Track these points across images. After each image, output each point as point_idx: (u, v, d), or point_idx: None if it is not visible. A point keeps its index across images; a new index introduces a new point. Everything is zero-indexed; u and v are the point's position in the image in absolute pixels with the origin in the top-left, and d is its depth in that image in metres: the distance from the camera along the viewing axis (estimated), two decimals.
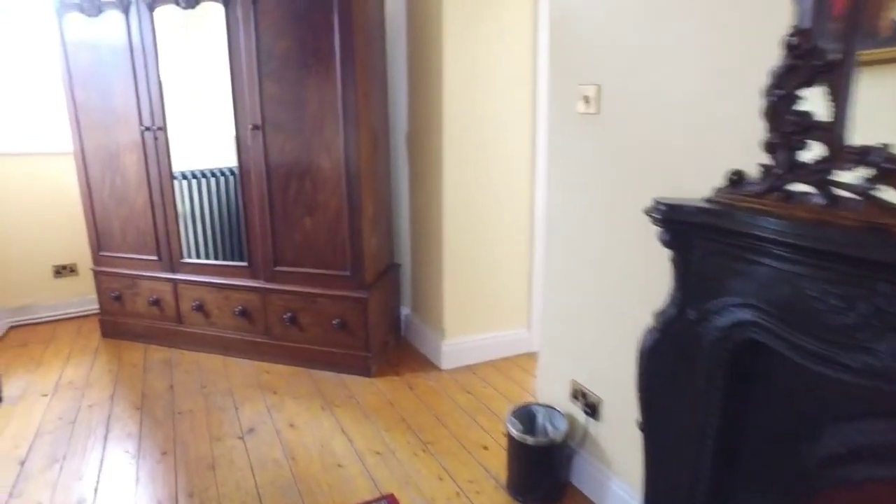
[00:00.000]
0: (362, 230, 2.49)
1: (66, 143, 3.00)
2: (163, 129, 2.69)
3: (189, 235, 3.06)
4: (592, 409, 1.75)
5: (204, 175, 3.11)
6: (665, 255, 1.26)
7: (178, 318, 2.90)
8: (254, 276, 2.69)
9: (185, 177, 3.04)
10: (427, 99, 2.59)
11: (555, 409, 1.88)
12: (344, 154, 2.41)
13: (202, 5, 2.50)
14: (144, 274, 2.91)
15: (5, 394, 2.53)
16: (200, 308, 2.83)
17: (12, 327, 3.29)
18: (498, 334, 2.77)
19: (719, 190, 1.17)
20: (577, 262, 1.78)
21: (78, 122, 2.86)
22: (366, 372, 2.60)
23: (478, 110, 2.51)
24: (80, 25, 2.72)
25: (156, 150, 2.73)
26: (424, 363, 2.76)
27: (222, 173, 3.15)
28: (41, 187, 3.24)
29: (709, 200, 1.18)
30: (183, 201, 3.00)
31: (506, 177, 2.63)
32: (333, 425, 2.25)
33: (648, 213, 1.24)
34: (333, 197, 2.48)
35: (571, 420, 1.84)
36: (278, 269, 2.63)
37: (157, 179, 2.77)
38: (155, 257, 2.88)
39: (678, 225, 1.20)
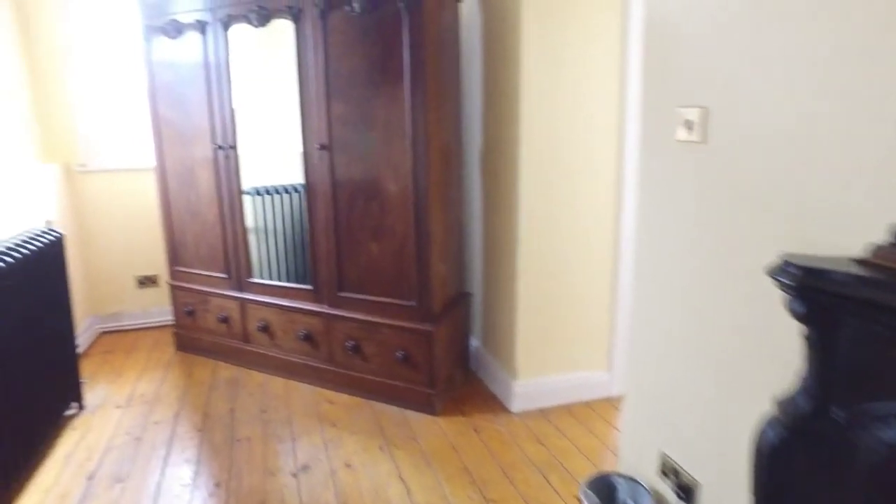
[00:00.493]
0: (430, 259, 2.32)
1: (151, 159, 3.07)
2: (234, 147, 2.67)
3: (257, 252, 3.04)
4: (687, 494, 1.47)
5: (276, 191, 3.09)
6: (794, 323, 0.98)
7: (245, 337, 2.87)
8: (318, 301, 2.60)
9: (257, 192, 3.04)
10: (502, 115, 2.39)
11: (639, 483, 1.60)
12: (412, 176, 2.25)
13: (274, 23, 2.44)
14: (214, 291, 2.91)
15: (87, 402, 2.59)
16: (266, 329, 2.78)
17: (103, 332, 3.43)
18: (575, 375, 2.50)
19: (880, 249, 0.88)
20: (672, 314, 1.51)
21: (160, 139, 2.92)
22: (429, 409, 2.42)
23: (558, 129, 2.27)
24: (163, 47, 2.77)
25: (227, 168, 2.71)
26: (493, 403, 2.55)
27: (295, 189, 3.12)
28: (129, 202, 3.35)
29: (864, 263, 0.90)
30: (255, 217, 2.99)
31: (588, 203, 2.36)
32: (391, 469, 2.09)
33: (774, 275, 0.97)
34: (400, 221, 2.33)
35: (659, 500, 1.56)
36: (342, 294, 2.51)
37: (228, 196, 2.76)
38: (224, 275, 2.87)
39: (819, 295, 0.91)
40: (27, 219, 2.63)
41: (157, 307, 3.49)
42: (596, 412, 2.45)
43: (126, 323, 3.48)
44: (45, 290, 2.24)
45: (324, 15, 2.26)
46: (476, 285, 2.82)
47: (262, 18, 2.43)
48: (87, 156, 3.25)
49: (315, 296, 2.60)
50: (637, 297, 1.68)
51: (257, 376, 2.84)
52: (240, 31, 2.56)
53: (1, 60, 2.81)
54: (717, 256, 1.36)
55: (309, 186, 2.50)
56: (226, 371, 2.91)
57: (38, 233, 2.31)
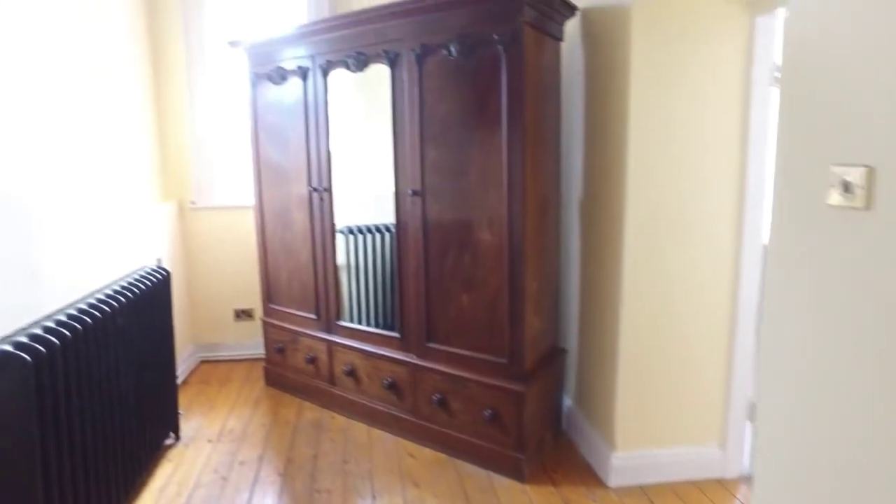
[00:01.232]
0: (524, 315, 2.17)
1: (250, 197, 3.18)
2: (328, 190, 2.68)
3: (347, 289, 3.03)
4: None
5: (368, 230, 3.08)
6: None
7: (331, 380, 2.85)
8: (405, 349, 2.51)
9: (349, 231, 3.04)
10: (607, 164, 2.21)
11: None
12: (508, 226, 2.12)
13: (371, 67, 2.44)
14: (304, 331, 2.93)
15: (183, 433, 2.67)
16: (352, 373, 2.73)
17: (203, 361, 3.58)
18: (683, 450, 2.22)
19: None
20: (817, 417, 1.25)
21: (260, 179, 3.01)
22: (517, 475, 2.24)
23: (669, 182, 2.05)
24: (267, 92, 2.87)
25: (321, 210, 2.73)
26: (587, 473, 2.31)
27: (386, 229, 3.10)
28: (231, 237, 3.50)
29: None
30: (346, 255, 2.99)
31: (702, 260, 2.11)
32: None
33: None
34: (493, 273, 2.20)
35: None
36: (430, 345, 2.41)
37: (321, 238, 2.77)
38: (314, 316, 2.87)
39: None
40: (143, 255, 2.79)
41: (252, 340, 3.58)
42: (706, 495, 2.15)
43: (223, 353, 3.61)
44: (151, 325, 2.34)
45: (420, 59, 2.22)
46: (571, 340, 2.62)
47: (360, 64, 2.44)
48: (198, 193, 3.44)
49: (402, 344, 2.52)
50: (764, 385, 1.43)
51: (340, 420, 2.79)
52: (338, 75, 2.59)
53: (139, 108, 3.06)
54: (871, 344, 1.10)
55: (399, 232, 2.45)
56: (310, 412, 2.89)
57: (150, 271, 2.43)
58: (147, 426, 2.26)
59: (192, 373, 3.43)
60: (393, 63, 2.32)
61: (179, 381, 3.25)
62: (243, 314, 3.59)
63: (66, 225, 2.14)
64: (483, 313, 2.25)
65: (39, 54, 2.06)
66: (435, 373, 2.40)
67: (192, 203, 3.44)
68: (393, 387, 2.56)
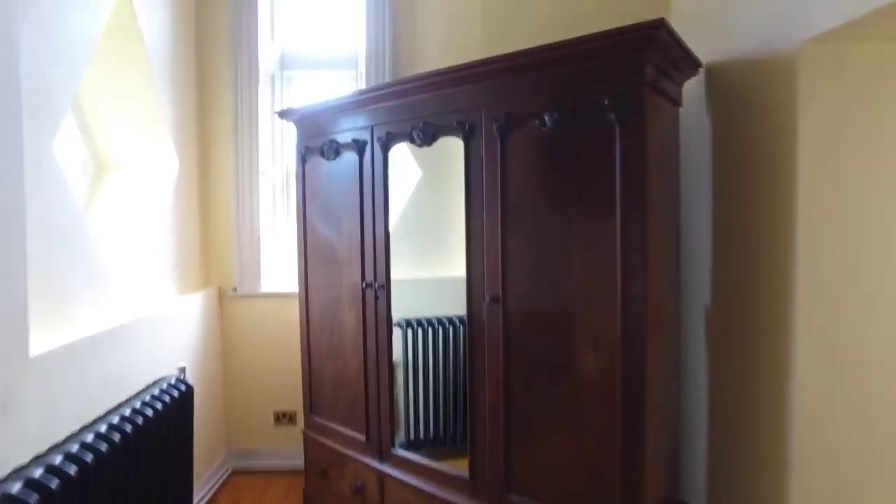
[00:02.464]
0: (643, 469, 1.56)
1: (293, 284, 2.76)
2: (384, 287, 2.21)
3: (404, 393, 2.53)
4: None
5: (430, 324, 2.61)
6: None
7: None
8: (475, 497, 1.92)
9: (408, 324, 2.57)
10: (753, 261, 1.63)
11: None
12: (621, 351, 1.56)
13: (440, 141, 2.01)
14: (351, 454, 2.39)
15: None
16: None
17: (235, 472, 3.09)
18: None
19: None
20: None
21: (306, 267, 2.59)
22: None
23: (860, 291, 1.45)
24: (318, 170, 2.49)
25: (375, 311, 2.25)
26: None
27: (450, 322, 2.61)
28: (274, 328, 3.07)
29: None
30: (404, 350, 2.52)
31: None
32: None
33: None
34: (599, 410, 1.62)
35: None
36: (512, 497, 1.82)
37: (374, 345, 2.28)
38: (363, 436, 2.34)
39: None
40: (172, 354, 2.38)
41: (294, 447, 3.06)
42: None
43: (259, 463, 3.11)
44: (168, 447, 1.89)
45: (503, 132, 1.76)
46: (696, 495, 1.96)
47: (427, 137, 2.00)
48: (241, 279, 3.06)
49: (473, 490, 1.94)
50: None
51: None
52: (400, 151, 2.17)
53: (188, 193, 2.80)
54: None
55: (472, 349, 1.91)
56: None
57: (170, 385, 2.00)
58: None
59: (221, 487, 2.93)
60: (467, 136, 1.87)
61: (207, 498, 2.76)
62: (284, 418, 3.11)
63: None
64: (584, 461, 1.65)
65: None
66: None
67: (234, 290, 3.06)
68: None
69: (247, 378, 3.11)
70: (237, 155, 3.02)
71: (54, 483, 1.28)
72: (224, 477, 3.01)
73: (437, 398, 2.63)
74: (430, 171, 2.74)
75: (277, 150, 3.24)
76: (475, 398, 1.91)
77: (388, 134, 2.14)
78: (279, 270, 3.22)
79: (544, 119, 1.65)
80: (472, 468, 1.93)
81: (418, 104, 2.02)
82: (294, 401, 3.04)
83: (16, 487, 1.19)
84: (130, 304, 2.37)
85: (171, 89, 2.70)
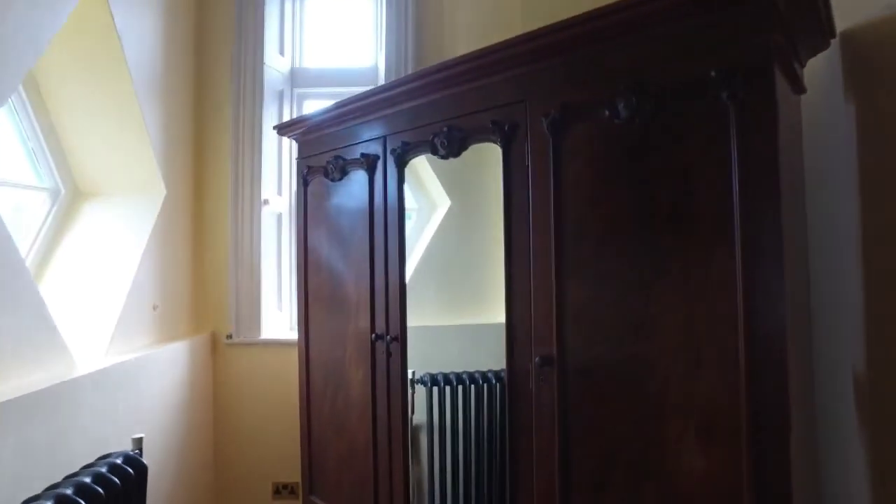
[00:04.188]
0: None
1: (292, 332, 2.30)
2: (398, 339, 1.71)
3: (428, 460, 2.07)
4: None
5: (460, 380, 2.17)
6: None
7: None
8: None
9: (433, 381, 2.11)
10: None
11: None
12: (748, 443, 1.02)
13: (472, 151, 1.54)
14: None
15: None
16: None
17: None
18: None
19: None
20: None
21: (306, 315, 2.13)
22: None
23: None
24: (322, 191, 2.05)
25: (387, 370, 1.76)
26: None
27: (485, 378, 2.13)
28: (272, 382, 2.59)
29: None
30: (428, 409, 2.06)
31: None
32: None
33: None
34: None
35: None
36: None
37: (385, 412, 1.77)
38: None
39: None
40: (128, 425, 1.92)
41: None
42: None
43: None
44: None
45: (557, 129, 1.28)
46: None
47: (454, 144, 1.54)
48: (237, 325, 2.61)
49: None
50: None
51: None
52: (419, 164, 1.72)
53: (177, 224, 2.45)
54: None
55: (513, 425, 1.39)
56: None
57: (117, 463, 1.52)
58: None
59: None
60: (507, 139, 1.40)
61: None
62: (284, 490, 2.59)
63: None
64: None
65: None
66: None
67: (229, 337, 2.61)
68: None
69: (242, 441, 2.62)
70: (236, 181, 2.62)
71: None
72: None
73: (469, 470, 2.13)
74: (460, 196, 2.30)
75: (285, 177, 2.84)
76: (518, 495, 1.37)
77: (403, 144, 1.69)
78: (283, 314, 2.77)
79: (616, 107, 1.17)
80: None
81: (442, 103, 1.57)
82: (297, 470, 2.53)
83: None
84: (90, 354, 1.94)
85: (159, 107, 2.33)
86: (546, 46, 1.28)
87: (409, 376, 2.08)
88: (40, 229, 2.15)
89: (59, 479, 1.42)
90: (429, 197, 2.55)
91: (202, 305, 2.65)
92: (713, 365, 1.06)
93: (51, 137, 2.14)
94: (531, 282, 1.33)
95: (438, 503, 2.15)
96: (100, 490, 1.41)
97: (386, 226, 1.75)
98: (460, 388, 2.17)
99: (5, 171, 1.99)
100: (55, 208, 2.21)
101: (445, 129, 1.54)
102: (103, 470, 1.47)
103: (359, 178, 1.88)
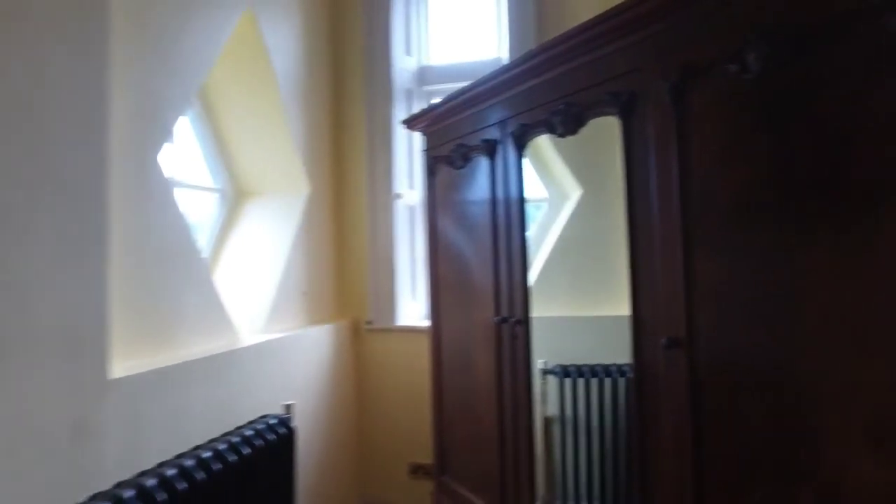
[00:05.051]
0: None
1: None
2: (522, 322, 1.72)
3: (560, 453, 2.08)
4: None
5: (593, 373, 2.12)
6: None
7: None
8: None
9: (565, 372, 2.10)
10: None
11: None
12: None
13: (599, 132, 1.49)
14: None
15: None
16: None
17: None
18: None
19: None
20: None
21: (437, 299, 2.21)
22: None
23: None
24: (447, 180, 2.13)
25: (512, 352, 1.77)
26: None
27: (620, 372, 2.06)
28: (409, 367, 2.73)
29: None
30: (560, 402, 2.06)
31: None
32: None
33: None
34: None
35: None
36: None
37: (511, 394, 1.78)
38: None
39: None
40: (280, 394, 2.15)
41: None
42: None
43: None
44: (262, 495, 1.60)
45: (678, 93, 1.19)
46: None
47: (570, 121, 1.51)
48: (375, 312, 2.80)
49: None
50: None
51: None
52: (540, 144, 1.71)
53: (321, 219, 2.69)
54: None
55: (642, 408, 1.32)
56: None
57: (272, 423, 1.72)
58: None
59: None
60: (626, 110, 1.33)
61: None
62: (420, 470, 2.72)
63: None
64: None
65: None
66: None
67: (368, 323, 2.80)
68: None
69: (382, 421, 2.80)
70: (371, 177, 2.81)
71: None
72: None
73: (604, 463, 2.07)
74: (591, 184, 2.24)
75: (416, 172, 2.98)
76: (648, 487, 1.31)
77: (522, 127, 1.69)
78: (416, 303, 2.91)
79: (745, 61, 1.06)
80: None
81: (558, 81, 1.54)
82: (431, 451, 2.65)
83: None
84: (251, 330, 2.20)
85: (302, 112, 2.58)
86: (660, 5, 1.20)
87: (540, 366, 2.09)
88: (213, 225, 2.50)
89: (229, 429, 1.65)
90: (559, 186, 2.52)
91: (344, 293, 2.87)
92: (882, 351, 0.92)
93: (219, 144, 2.48)
94: (656, 258, 1.26)
95: (572, 495, 2.12)
96: (260, 442, 1.61)
97: (508, 207, 1.76)
98: (594, 380, 2.13)
99: (189, 174, 2.34)
100: (224, 207, 2.55)
101: (562, 105, 1.51)
102: (261, 427, 1.68)
103: (481, 163, 1.91)
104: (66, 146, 1.30)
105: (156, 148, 1.71)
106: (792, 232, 1.03)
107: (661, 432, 1.25)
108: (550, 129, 1.57)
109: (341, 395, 2.69)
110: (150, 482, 1.25)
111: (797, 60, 1.00)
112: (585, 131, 1.53)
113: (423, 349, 2.64)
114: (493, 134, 1.82)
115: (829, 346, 0.98)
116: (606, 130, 1.42)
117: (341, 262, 2.88)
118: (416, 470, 2.73)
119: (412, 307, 2.88)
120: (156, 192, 1.71)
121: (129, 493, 1.16)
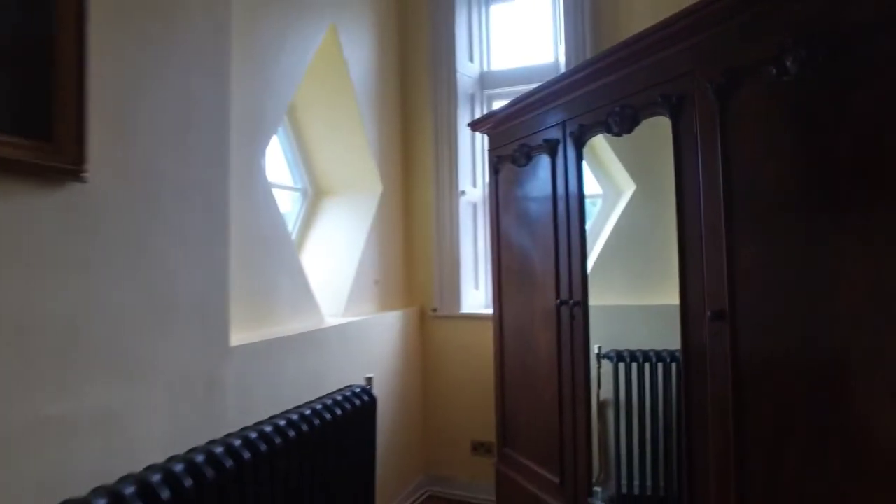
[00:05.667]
0: None
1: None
2: (580, 304, 1.89)
3: (614, 435, 2.22)
4: None
5: (646, 357, 2.25)
6: None
7: None
8: None
9: (619, 357, 2.24)
10: None
11: None
12: None
13: (653, 131, 1.65)
14: (543, 497, 2.08)
15: None
16: None
17: (432, 497, 3.01)
18: None
19: None
20: None
21: (500, 285, 2.41)
22: None
23: None
24: (511, 177, 2.32)
25: (571, 333, 1.94)
26: None
27: (672, 357, 2.19)
28: (472, 351, 2.94)
29: None
30: (615, 387, 2.21)
31: None
32: None
33: None
34: None
35: None
36: None
37: (569, 371, 1.96)
38: (557, 479, 2.01)
39: None
40: (359, 369, 2.40)
41: (489, 481, 2.86)
42: None
43: (456, 492, 2.97)
44: (348, 452, 1.84)
45: (723, 94, 1.34)
46: None
47: (626, 121, 1.67)
48: (440, 300, 3.03)
49: None
50: None
51: None
52: (596, 143, 1.87)
53: (391, 214, 2.93)
54: None
55: (689, 378, 1.48)
56: None
57: (356, 392, 1.96)
58: None
59: None
60: (675, 111, 1.49)
61: None
62: (481, 447, 2.92)
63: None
64: None
65: None
66: None
67: (434, 311, 3.03)
68: None
69: (445, 401, 3.02)
70: (437, 175, 3.03)
71: (229, 463, 1.29)
72: (421, 499, 2.93)
73: (657, 445, 2.20)
74: (644, 179, 2.39)
75: (478, 171, 3.18)
76: (692, 445, 1.46)
77: (580, 127, 1.87)
78: (479, 293, 3.11)
79: (783, 63, 1.20)
80: None
81: (614, 85, 1.71)
82: (492, 430, 2.84)
83: (219, 449, 1.28)
84: (331, 313, 2.47)
85: (375, 117, 2.84)
86: (715, 12, 1.35)
87: (595, 351, 2.24)
88: (296, 221, 2.79)
89: (320, 395, 1.91)
90: (613, 182, 2.67)
91: (412, 283, 3.12)
92: None
93: (301, 147, 2.76)
94: (703, 242, 1.41)
95: (625, 471, 2.25)
96: (348, 406, 1.85)
97: (568, 200, 1.94)
98: (647, 365, 2.25)
99: (274, 175, 2.63)
100: (305, 205, 2.84)
101: (618, 108, 1.68)
102: (348, 394, 1.93)
103: (542, 161, 2.09)
104: (203, 154, 1.59)
105: (260, 153, 1.99)
106: (826, 219, 1.16)
107: (707, 398, 1.40)
108: (607, 129, 1.74)
109: (409, 377, 2.93)
110: (267, 428, 1.51)
111: (832, 63, 1.14)
112: (639, 130, 1.69)
113: (485, 335, 2.85)
114: (554, 134, 2.00)
115: (859, 319, 1.11)
116: (659, 129, 1.58)
117: (410, 254, 3.12)
118: (478, 447, 2.93)
119: (475, 296, 3.08)
120: (260, 191, 1.99)
121: (237, 443, 1.39)
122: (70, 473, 1.20)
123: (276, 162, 2.68)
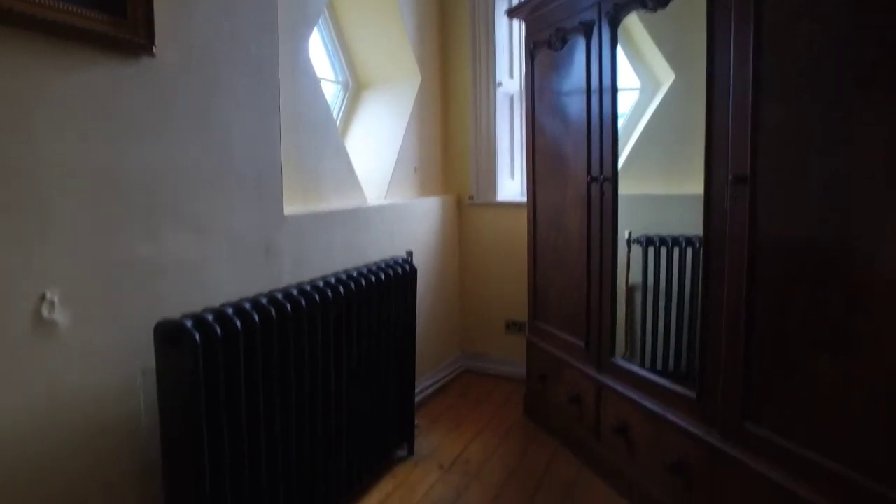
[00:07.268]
0: None
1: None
2: (610, 180, 1.98)
3: (641, 317, 2.40)
4: None
5: (675, 242, 2.35)
6: None
7: (596, 432, 2.14)
8: (704, 421, 1.64)
9: (649, 241, 2.38)
10: None
11: None
12: None
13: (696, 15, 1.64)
14: (569, 360, 2.29)
15: (418, 447, 2.36)
16: (623, 432, 1.98)
17: (466, 371, 3.30)
18: None
19: None
20: None
21: (534, 171, 2.51)
22: None
23: None
24: (546, 62, 2.34)
25: (601, 208, 2.05)
26: None
27: (701, 242, 2.28)
28: (507, 237, 3.10)
29: None
30: (644, 271, 2.38)
31: None
32: None
33: None
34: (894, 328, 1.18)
35: None
36: (748, 426, 1.49)
37: (598, 246, 2.09)
38: (582, 343, 2.21)
39: None
40: (400, 245, 2.60)
41: (520, 357, 3.12)
42: None
43: (489, 367, 3.25)
44: (392, 308, 2.08)
45: None
46: None
47: None
48: (477, 189, 3.14)
49: (700, 412, 1.65)
50: None
51: (601, 489, 2.06)
52: (630, 21, 1.88)
53: (430, 106, 3.00)
54: None
55: (709, 242, 1.59)
56: (565, 466, 2.23)
57: (399, 262, 2.16)
58: (373, 431, 2.03)
59: (453, 381, 3.16)
60: None
61: (437, 387, 3.01)
62: (514, 326, 3.16)
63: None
64: (868, 400, 1.23)
65: None
66: (757, 477, 1.46)
67: (471, 199, 3.16)
68: (678, 470, 1.71)
69: (480, 283, 3.23)
70: (474, 66, 3.05)
71: (288, 306, 1.54)
72: (456, 373, 3.23)
73: (682, 327, 2.34)
74: (684, 69, 2.36)
75: (515, 62, 3.17)
76: (708, 304, 1.60)
77: (615, 6, 1.87)
78: (514, 182, 3.21)
79: None
80: (701, 386, 1.64)
81: None
82: (524, 310, 3.05)
83: (279, 295, 1.56)
84: (373, 197, 2.63)
85: (413, 7, 2.82)
86: None
87: (626, 236, 2.35)
88: (338, 114, 2.89)
89: (360, 264, 2.11)
90: (652, 74, 2.64)
91: (450, 171, 3.23)
92: None
93: (341, 40, 2.80)
94: (730, 107, 1.46)
95: (650, 349, 2.42)
96: (391, 272, 2.05)
97: (601, 78, 1.98)
98: (676, 249, 2.35)
99: (318, 70, 2.70)
100: (346, 97, 2.92)
101: None
102: (391, 263, 2.12)
103: (578, 44, 2.11)
104: (254, 33, 1.69)
105: (305, 37, 2.07)
106: (852, 82, 1.20)
107: (725, 260, 1.52)
108: (643, 5, 1.75)
109: (447, 261, 3.13)
110: (320, 283, 1.72)
111: None
112: (676, 8, 1.68)
113: (519, 223, 2.99)
114: (589, 16, 2.00)
115: (863, 175, 1.18)
116: (696, 5, 1.58)
117: (448, 144, 3.21)
118: (511, 326, 3.16)
119: (510, 185, 3.19)
120: (305, 73, 2.08)
121: (294, 292, 1.62)
122: (161, 304, 1.44)
123: (317, 56, 2.75)
